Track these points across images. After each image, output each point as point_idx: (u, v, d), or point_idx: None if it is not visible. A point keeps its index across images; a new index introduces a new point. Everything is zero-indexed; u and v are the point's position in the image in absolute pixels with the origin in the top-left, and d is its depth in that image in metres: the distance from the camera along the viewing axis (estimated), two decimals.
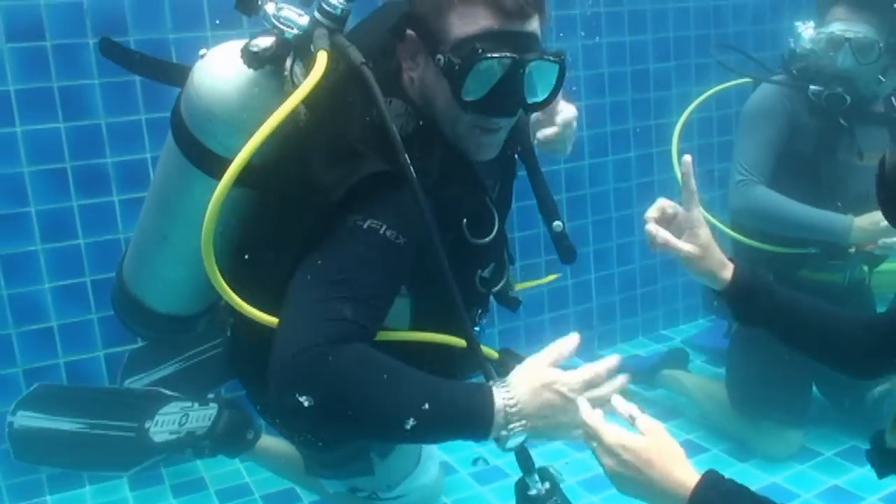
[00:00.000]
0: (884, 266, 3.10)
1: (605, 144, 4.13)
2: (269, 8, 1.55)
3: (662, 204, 1.77)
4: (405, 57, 1.62)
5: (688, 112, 3.42)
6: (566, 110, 1.96)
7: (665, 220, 1.76)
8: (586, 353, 4.33)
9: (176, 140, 1.74)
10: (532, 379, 1.52)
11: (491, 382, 1.53)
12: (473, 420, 1.47)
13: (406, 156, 1.45)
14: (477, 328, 1.85)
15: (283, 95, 1.51)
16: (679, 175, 3.15)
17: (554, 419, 1.50)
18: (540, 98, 1.61)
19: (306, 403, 1.40)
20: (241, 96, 1.59)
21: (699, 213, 1.75)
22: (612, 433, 1.40)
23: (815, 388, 3.19)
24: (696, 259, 1.71)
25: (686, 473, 1.36)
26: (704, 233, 1.73)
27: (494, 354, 1.71)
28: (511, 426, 1.47)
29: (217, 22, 3.15)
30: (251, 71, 1.56)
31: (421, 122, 1.59)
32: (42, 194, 3.02)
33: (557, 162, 3.99)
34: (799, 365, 2.60)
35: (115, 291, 2.14)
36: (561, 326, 4.16)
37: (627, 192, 4.20)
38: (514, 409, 1.47)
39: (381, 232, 1.49)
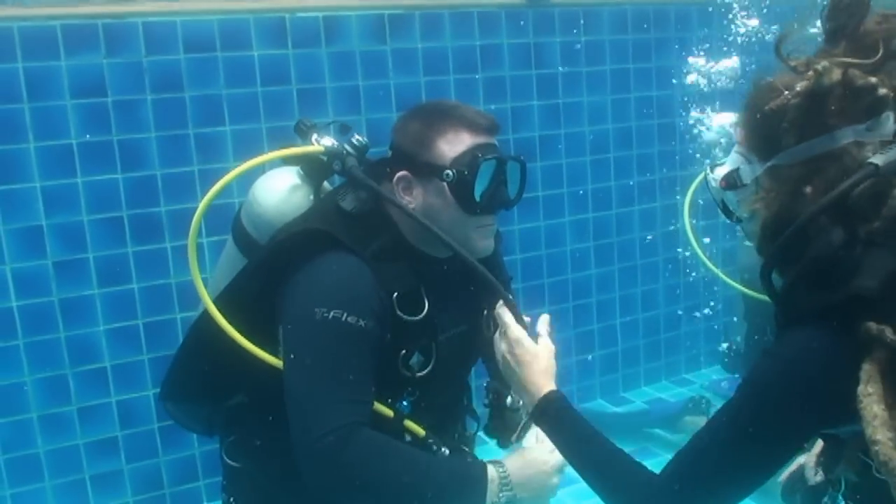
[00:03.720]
0: None
1: (631, 195, 4.27)
2: (314, 137, 1.94)
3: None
4: (400, 193, 1.85)
5: (700, 178, 3.52)
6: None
7: None
8: (612, 394, 4.52)
9: (234, 239, 2.01)
10: (523, 461, 1.82)
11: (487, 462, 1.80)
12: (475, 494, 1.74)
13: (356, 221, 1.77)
14: (404, 404, 1.89)
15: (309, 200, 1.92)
16: (688, 225, 3.33)
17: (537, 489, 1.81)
18: (514, 194, 1.89)
19: (339, 480, 1.63)
20: (284, 199, 1.91)
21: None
22: (517, 332, 1.70)
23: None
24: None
25: (545, 383, 1.64)
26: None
27: (420, 431, 1.84)
28: (501, 494, 1.76)
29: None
30: (291, 184, 1.91)
31: (378, 214, 1.83)
32: (100, 241, 3.19)
33: (586, 211, 4.16)
34: None
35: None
36: (587, 370, 4.30)
37: (652, 241, 4.32)
38: (505, 481, 1.76)
39: (344, 319, 1.69)
